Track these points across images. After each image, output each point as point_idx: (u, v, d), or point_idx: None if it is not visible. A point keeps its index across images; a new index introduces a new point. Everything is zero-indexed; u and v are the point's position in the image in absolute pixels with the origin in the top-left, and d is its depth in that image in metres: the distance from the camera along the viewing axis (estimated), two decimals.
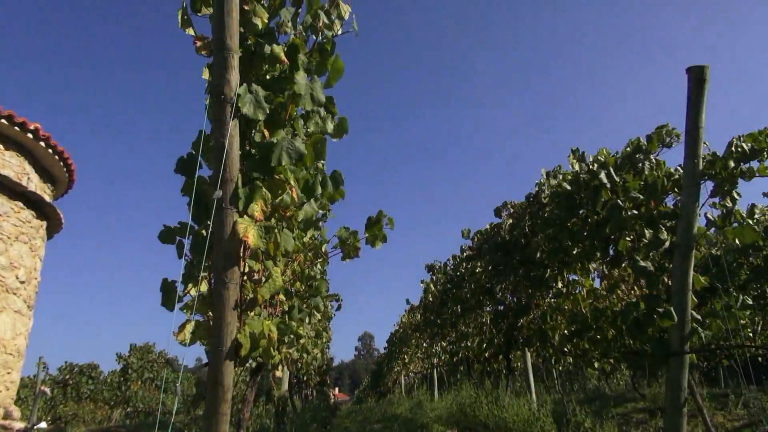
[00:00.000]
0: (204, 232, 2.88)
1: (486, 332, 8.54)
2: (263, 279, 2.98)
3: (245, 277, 2.92)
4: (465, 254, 9.43)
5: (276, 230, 2.86)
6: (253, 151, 2.93)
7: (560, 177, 5.66)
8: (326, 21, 2.95)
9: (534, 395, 7.71)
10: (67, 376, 26.71)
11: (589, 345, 5.15)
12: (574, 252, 5.36)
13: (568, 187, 5.30)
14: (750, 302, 4.40)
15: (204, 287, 3.15)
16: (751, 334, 6.76)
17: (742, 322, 5.63)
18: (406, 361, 18.72)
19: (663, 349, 4.20)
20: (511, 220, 7.24)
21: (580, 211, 5.32)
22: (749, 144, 3.81)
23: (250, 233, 2.59)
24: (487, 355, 8.28)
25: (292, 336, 3.52)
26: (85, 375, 27.24)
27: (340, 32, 3.09)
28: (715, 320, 4.34)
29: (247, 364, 4.01)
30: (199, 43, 2.83)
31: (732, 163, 3.90)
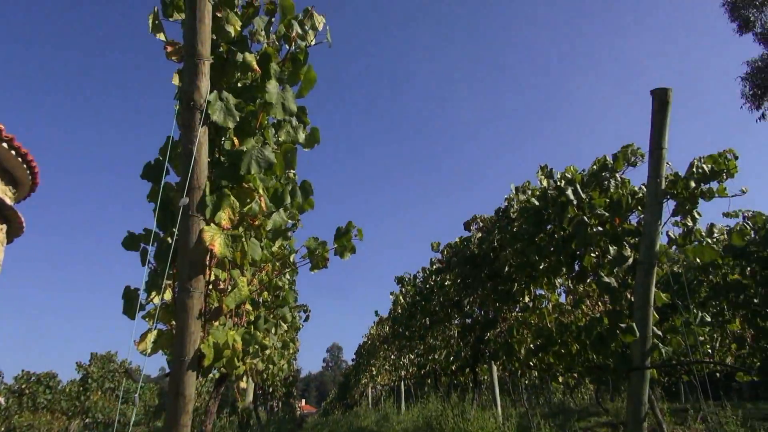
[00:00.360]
0: (169, 239, 2.84)
1: (453, 345, 8.57)
2: (229, 288, 2.94)
3: (210, 286, 2.88)
4: (434, 267, 9.48)
5: (243, 239, 2.83)
6: (222, 158, 2.91)
7: (529, 193, 5.75)
8: (300, 31, 2.95)
9: (500, 409, 7.75)
10: (24, 386, 25.82)
11: (554, 359, 5.21)
12: (541, 267, 5.43)
13: (536, 203, 5.38)
14: (708, 319, 4.52)
15: (168, 296, 3.10)
16: (710, 350, 6.94)
17: (701, 338, 5.78)
18: (374, 373, 18.63)
19: (625, 364, 4.28)
20: (480, 234, 7.31)
21: (548, 227, 5.40)
22: (709, 165, 3.93)
23: (217, 241, 2.56)
24: (454, 368, 8.29)
25: (257, 347, 3.48)
26: (43, 384, 26.37)
27: (313, 43, 3.09)
28: (675, 336, 4.44)
29: (211, 375, 3.94)
30: (169, 49, 2.80)
31: (693, 184, 4.02)
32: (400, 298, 11.74)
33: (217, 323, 2.94)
